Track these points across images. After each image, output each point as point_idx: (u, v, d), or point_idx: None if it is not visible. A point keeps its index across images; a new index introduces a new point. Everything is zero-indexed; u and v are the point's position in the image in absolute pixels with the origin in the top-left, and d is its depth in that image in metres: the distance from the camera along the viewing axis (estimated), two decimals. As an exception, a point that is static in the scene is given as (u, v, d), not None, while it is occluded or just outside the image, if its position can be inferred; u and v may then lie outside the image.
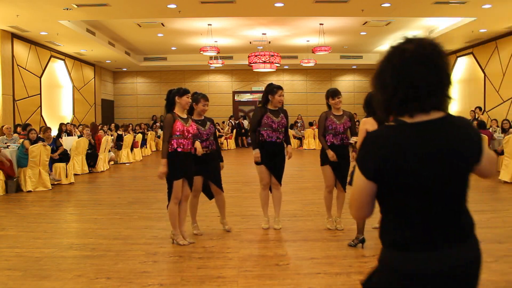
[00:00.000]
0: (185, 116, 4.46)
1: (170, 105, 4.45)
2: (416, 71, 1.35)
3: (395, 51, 1.40)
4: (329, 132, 4.79)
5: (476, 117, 12.33)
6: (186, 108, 4.46)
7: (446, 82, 1.39)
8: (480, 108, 13.27)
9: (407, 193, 1.35)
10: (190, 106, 4.66)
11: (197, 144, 4.50)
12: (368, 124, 4.05)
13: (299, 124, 18.58)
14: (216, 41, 14.70)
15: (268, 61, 13.68)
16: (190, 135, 4.38)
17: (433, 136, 1.35)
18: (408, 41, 1.39)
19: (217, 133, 4.80)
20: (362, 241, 4.22)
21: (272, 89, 4.85)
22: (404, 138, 1.35)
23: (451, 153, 1.35)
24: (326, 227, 4.95)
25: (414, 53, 1.36)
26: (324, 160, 4.81)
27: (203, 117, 4.80)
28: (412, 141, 1.34)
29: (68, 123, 13.26)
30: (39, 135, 8.63)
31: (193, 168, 4.51)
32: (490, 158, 1.45)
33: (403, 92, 1.36)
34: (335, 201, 4.96)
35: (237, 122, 18.97)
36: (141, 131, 15.75)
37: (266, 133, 4.81)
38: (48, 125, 11.95)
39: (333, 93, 4.78)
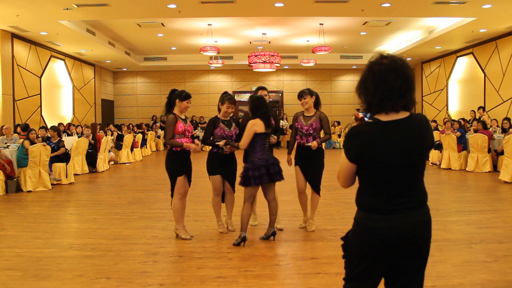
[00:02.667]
0: (183, 117, 4.64)
1: (170, 104, 4.62)
2: (390, 77, 1.77)
3: (375, 63, 1.82)
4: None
5: (479, 117, 12.30)
6: (184, 112, 4.64)
7: (412, 88, 1.80)
8: (483, 109, 13.26)
9: (376, 173, 1.81)
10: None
11: (191, 145, 4.58)
12: (257, 126, 4.28)
13: (299, 124, 18.56)
14: (216, 41, 14.70)
15: (268, 61, 13.67)
16: (189, 134, 4.58)
17: (399, 132, 1.79)
18: (384, 57, 1.82)
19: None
20: (267, 236, 4.51)
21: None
22: (376, 132, 1.79)
23: (410, 145, 1.79)
24: (324, 227, 4.94)
25: (388, 65, 1.79)
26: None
27: (228, 118, 4.86)
28: (382, 135, 1.79)
29: (70, 124, 13.25)
30: (47, 134, 8.60)
31: (215, 168, 4.75)
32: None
33: (381, 94, 1.78)
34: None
35: (237, 122, 18.94)
36: (141, 131, 15.75)
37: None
38: (48, 125, 11.95)
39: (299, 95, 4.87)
